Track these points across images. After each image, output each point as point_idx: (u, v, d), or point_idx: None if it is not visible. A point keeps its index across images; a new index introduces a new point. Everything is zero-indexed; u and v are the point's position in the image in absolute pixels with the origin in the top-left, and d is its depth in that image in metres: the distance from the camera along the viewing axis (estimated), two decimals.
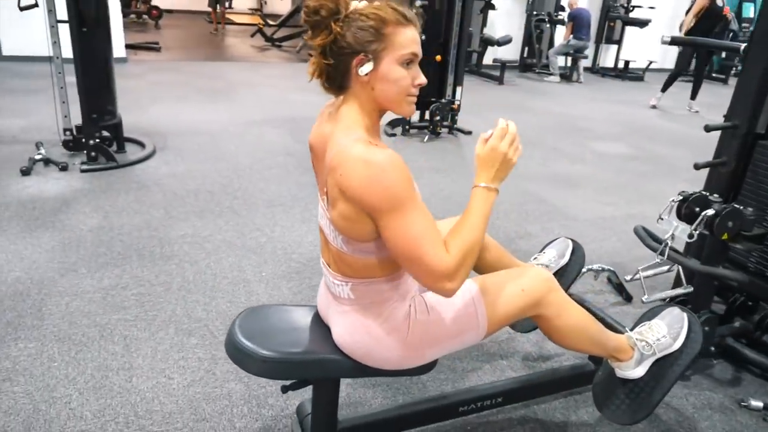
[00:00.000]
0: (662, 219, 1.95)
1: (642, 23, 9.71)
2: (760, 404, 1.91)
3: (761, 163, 2.06)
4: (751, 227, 1.86)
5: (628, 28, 10.24)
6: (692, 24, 6.89)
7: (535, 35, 9.53)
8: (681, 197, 1.92)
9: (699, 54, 7.14)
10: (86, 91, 3.57)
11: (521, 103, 7.25)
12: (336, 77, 1.20)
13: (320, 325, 1.45)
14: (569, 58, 9.53)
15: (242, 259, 2.69)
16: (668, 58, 10.62)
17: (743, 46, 2.10)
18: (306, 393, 1.51)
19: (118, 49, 7.43)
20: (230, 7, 13.49)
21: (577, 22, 8.88)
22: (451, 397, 1.73)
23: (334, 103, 1.29)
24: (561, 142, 5.45)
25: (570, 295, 2.04)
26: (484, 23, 9.31)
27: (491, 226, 3.29)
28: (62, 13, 3.43)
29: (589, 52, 9.82)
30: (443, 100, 5.04)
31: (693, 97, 7.43)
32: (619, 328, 1.79)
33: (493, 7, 8.98)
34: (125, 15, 11.26)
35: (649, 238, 2.06)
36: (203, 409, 1.76)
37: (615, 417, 1.59)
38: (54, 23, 3.43)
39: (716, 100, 8.19)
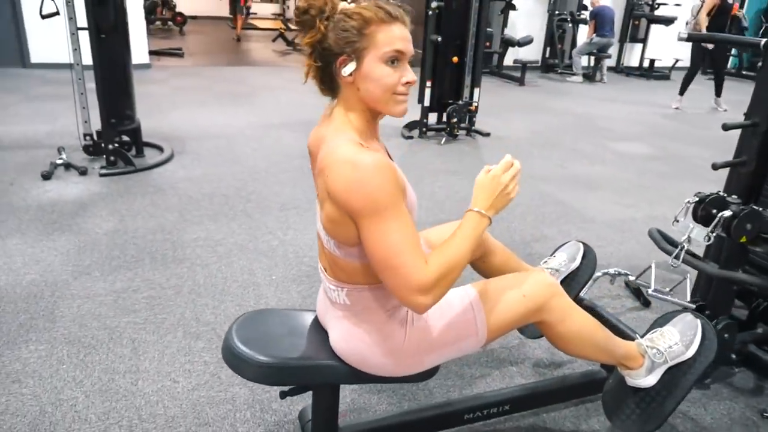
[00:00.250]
0: (677, 221, 1.88)
1: (667, 21, 9.50)
2: None
3: None
4: None
5: (653, 26, 10.03)
6: (706, 23, 6.76)
7: (557, 35, 9.40)
8: (697, 198, 1.85)
9: (714, 51, 6.93)
10: (105, 97, 3.63)
11: (541, 104, 7.15)
12: (326, 79, 1.19)
13: (319, 330, 1.43)
14: (592, 58, 9.36)
15: (253, 263, 2.69)
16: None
17: (764, 41, 2.02)
18: (310, 398, 1.49)
19: (142, 55, 7.58)
20: (253, 13, 13.63)
21: (600, 19, 8.73)
22: (456, 404, 1.70)
23: (330, 105, 1.27)
24: (581, 142, 5.35)
25: (581, 299, 2.01)
26: (504, 24, 9.22)
27: (506, 227, 3.24)
28: (83, 20, 3.50)
29: (613, 51, 9.65)
30: (460, 102, 4.99)
31: (718, 94, 7.23)
32: (631, 335, 1.74)
33: (513, 7, 8.88)
34: (151, 22, 11.47)
35: (664, 241, 1.99)
36: (206, 414, 1.76)
37: (625, 427, 1.53)
38: (74, 30, 3.50)
39: (745, 98, 7.94)
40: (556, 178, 4.23)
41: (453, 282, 1.13)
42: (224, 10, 13.15)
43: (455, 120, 4.98)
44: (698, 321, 1.55)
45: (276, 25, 12.69)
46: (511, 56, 9.09)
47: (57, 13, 3.50)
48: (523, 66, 8.35)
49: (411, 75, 1.16)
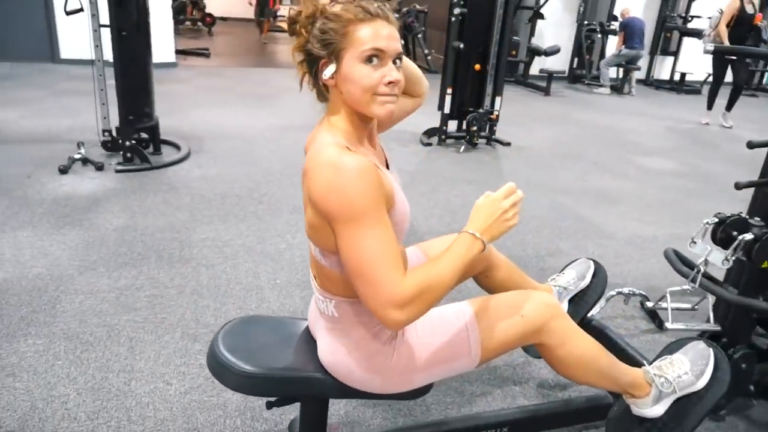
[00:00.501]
0: (695, 242, 1.79)
1: (700, 34, 9.24)
2: None
3: None
4: None
5: (685, 39, 9.80)
6: (726, 34, 6.52)
7: (585, 45, 9.26)
8: (717, 219, 1.76)
9: (735, 63, 6.70)
10: (124, 94, 3.65)
11: (566, 115, 7.02)
12: (317, 84, 1.15)
13: (309, 340, 1.38)
14: (621, 70, 9.19)
15: (259, 265, 2.66)
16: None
17: None
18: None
19: (168, 54, 7.69)
20: (281, 16, 13.74)
21: (629, 30, 8.56)
22: (451, 423, 1.63)
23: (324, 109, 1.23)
24: (604, 156, 5.22)
25: (589, 320, 1.93)
26: (532, 33, 9.11)
27: (520, 240, 3.16)
28: (106, 18, 3.53)
29: (643, 63, 9.46)
30: (481, 110, 4.91)
31: (728, 108, 6.97)
32: (640, 361, 1.65)
33: (541, 16, 8.77)
34: (181, 22, 11.66)
35: (680, 263, 1.90)
36: (196, 419, 1.72)
37: None
38: (96, 27, 3.54)
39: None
40: (576, 191, 4.12)
41: (432, 302, 1.06)
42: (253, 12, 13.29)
43: (475, 128, 4.91)
44: (711, 350, 1.46)
45: None
46: (538, 66, 8.97)
47: (81, 10, 3.55)
48: (549, 76, 8.23)
49: (394, 74, 1.09)
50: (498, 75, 4.90)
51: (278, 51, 11.07)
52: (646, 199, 4.09)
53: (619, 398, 1.57)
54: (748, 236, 1.66)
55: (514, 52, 8.67)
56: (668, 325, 1.78)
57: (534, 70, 8.99)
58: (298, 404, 1.41)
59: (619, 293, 2.49)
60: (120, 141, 3.75)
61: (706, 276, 1.80)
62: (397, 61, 1.11)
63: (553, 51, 8.25)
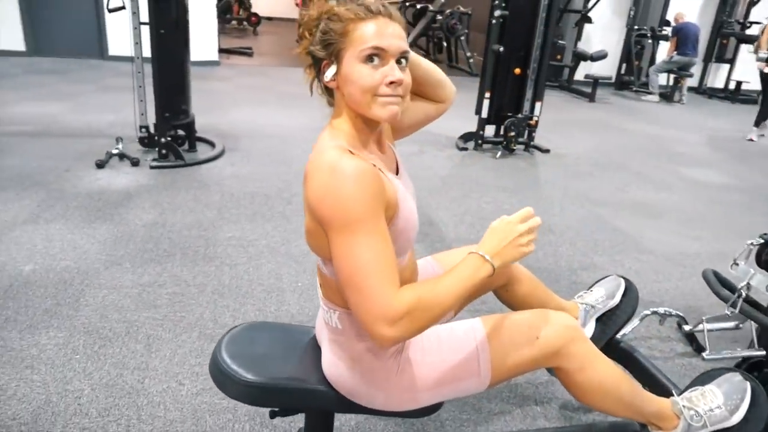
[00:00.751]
0: (737, 264, 1.66)
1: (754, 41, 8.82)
2: None
3: None
4: None
5: (742, 46, 9.35)
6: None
7: (634, 51, 8.95)
8: (762, 240, 1.63)
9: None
10: (161, 91, 3.71)
11: (610, 122, 6.79)
12: (323, 88, 1.11)
13: (315, 349, 1.33)
14: (671, 77, 8.84)
15: (282, 267, 2.64)
16: None
17: None
18: None
19: (211, 52, 7.83)
20: None
21: (682, 36, 8.22)
22: None
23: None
24: (648, 166, 5.01)
25: (618, 341, 1.82)
26: (578, 37, 8.87)
27: (552, 251, 3.04)
28: (146, 16, 3.60)
29: (696, 70, 9.07)
30: (519, 115, 4.79)
31: (757, 123, 6.51)
32: (670, 389, 1.54)
33: (589, 20, 8.52)
34: (227, 21, 11.88)
35: (719, 285, 1.77)
36: (205, 421, 1.70)
37: None
38: (137, 25, 3.60)
39: None
40: (615, 203, 3.96)
41: (429, 322, 0.99)
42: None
43: (513, 134, 4.79)
44: (748, 384, 1.34)
45: None
46: (583, 71, 8.73)
47: (123, 8, 3.62)
48: (595, 81, 7.99)
49: (397, 74, 1.03)
50: (539, 80, 4.76)
51: None
52: (689, 213, 3.90)
53: (646, 427, 1.47)
54: None
55: (558, 57, 8.46)
56: (706, 355, 1.65)
57: (579, 75, 8.75)
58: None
59: (655, 313, 2.35)
60: (156, 137, 3.81)
61: (748, 301, 1.67)
62: (402, 60, 1.05)
63: (600, 56, 8.01)
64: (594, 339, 1.69)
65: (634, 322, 2.31)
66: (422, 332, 1.00)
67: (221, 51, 8.25)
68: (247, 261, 2.66)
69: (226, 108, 5.62)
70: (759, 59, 1.98)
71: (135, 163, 3.74)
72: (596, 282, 1.84)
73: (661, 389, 1.55)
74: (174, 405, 1.75)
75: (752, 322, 1.85)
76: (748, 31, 9.29)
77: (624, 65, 9.22)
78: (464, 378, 1.17)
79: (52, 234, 2.75)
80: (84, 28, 7.29)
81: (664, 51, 8.94)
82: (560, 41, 8.40)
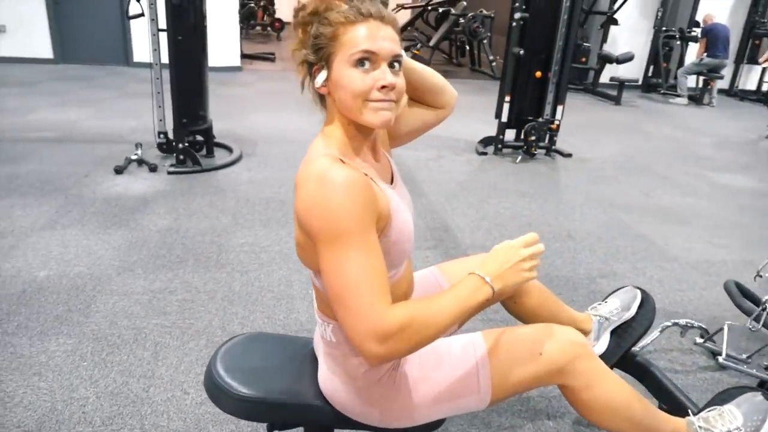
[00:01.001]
0: (760, 276, 1.57)
1: None
2: None
3: None
4: None
5: None
6: None
7: (662, 53, 8.73)
8: None
9: None
10: (179, 97, 3.74)
11: (637, 126, 6.63)
12: (316, 93, 1.08)
13: (313, 362, 1.30)
14: (701, 79, 8.60)
15: (293, 273, 2.61)
16: None
17: None
18: None
19: (234, 58, 7.90)
20: None
21: (712, 37, 8.00)
22: None
23: None
24: (674, 170, 4.86)
25: (634, 355, 1.74)
26: (604, 39, 8.70)
27: (571, 258, 2.96)
28: (164, 22, 3.63)
29: (727, 72, 8.81)
30: (540, 119, 4.70)
31: None
32: (688, 407, 1.46)
33: (615, 21, 8.35)
34: (251, 27, 12.00)
35: (742, 298, 1.68)
36: (208, 431, 1.68)
37: None
38: (155, 32, 3.64)
39: None
40: (639, 208, 3.84)
41: (421, 342, 0.95)
42: None
43: (533, 138, 4.69)
44: None
45: None
46: (609, 74, 8.55)
47: (142, 15, 3.66)
48: (621, 84, 7.81)
49: (389, 78, 0.98)
50: (560, 83, 4.66)
51: None
52: (717, 220, 3.76)
53: None
54: None
55: (583, 59, 8.31)
56: (721, 360, 1.56)
57: (605, 78, 8.57)
58: None
59: (675, 324, 2.25)
60: (174, 143, 3.84)
61: None
62: (395, 64, 1.01)
63: (626, 58, 7.84)
64: (608, 353, 1.62)
65: (654, 334, 2.22)
66: (414, 352, 0.96)
67: (243, 56, 8.32)
68: (258, 267, 2.65)
69: (245, 113, 5.65)
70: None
71: (153, 168, 3.77)
72: (611, 293, 1.77)
73: (677, 407, 1.48)
74: (177, 415, 1.73)
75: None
76: None
77: (651, 67, 9.02)
78: (463, 395, 1.12)
79: (68, 240, 2.78)
80: (110, 36, 7.44)
81: (693, 53, 8.71)
82: (585, 43, 8.25)
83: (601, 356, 1.62)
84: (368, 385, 1.11)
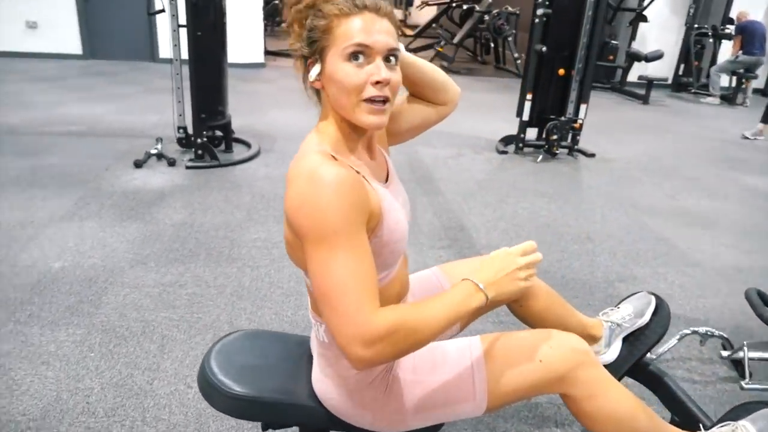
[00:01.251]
0: None
1: None
2: None
3: None
4: None
5: None
6: None
7: (694, 51, 8.49)
8: None
9: None
10: (198, 92, 3.76)
11: (664, 126, 6.45)
12: (311, 88, 1.05)
13: (309, 361, 1.27)
14: (734, 78, 8.33)
15: None
16: None
17: None
18: None
19: (257, 55, 7.95)
20: None
21: (747, 34, 7.74)
22: None
23: None
24: (702, 172, 4.72)
25: (646, 364, 1.67)
26: (633, 36, 8.50)
27: (588, 261, 2.88)
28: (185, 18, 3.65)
29: (762, 71, 8.52)
30: (563, 118, 4.60)
31: (765, 119, 6.06)
32: (701, 420, 1.39)
33: (644, 18, 8.15)
34: (277, 24, 12.05)
35: (764, 307, 1.60)
36: (208, 427, 1.67)
37: None
38: (175, 28, 3.66)
39: None
40: (663, 211, 3.73)
41: (409, 347, 0.91)
42: None
43: (555, 137, 4.60)
44: None
45: None
46: (637, 72, 8.36)
47: (162, 11, 3.69)
48: (649, 83, 7.63)
49: (383, 73, 0.94)
50: (584, 81, 4.56)
51: None
52: (745, 225, 3.62)
53: None
54: None
55: (611, 57, 8.15)
56: (745, 384, 1.49)
57: (633, 76, 8.38)
58: None
59: (695, 332, 2.17)
60: (192, 138, 3.87)
61: None
62: (391, 58, 0.97)
63: (655, 56, 7.64)
64: (620, 360, 1.56)
65: (672, 342, 2.14)
66: (401, 357, 0.92)
67: (267, 53, 8.36)
68: (269, 263, 2.64)
69: (266, 109, 5.67)
70: None
71: (171, 163, 3.80)
72: (624, 298, 1.71)
73: (690, 420, 1.41)
74: (179, 408, 1.73)
75: None
76: None
77: (682, 66, 8.78)
78: (458, 401, 1.08)
79: (84, 232, 2.81)
80: (136, 33, 7.55)
81: (726, 51, 8.45)
82: (613, 41, 8.08)
83: (613, 364, 1.57)
84: (360, 387, 1.08)
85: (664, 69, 8.49)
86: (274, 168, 3.97)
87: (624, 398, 1.13)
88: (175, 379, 1.85)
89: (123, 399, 1.75)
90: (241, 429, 1.67)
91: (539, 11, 4.33)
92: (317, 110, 1.10)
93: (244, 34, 7.30)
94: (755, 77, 8.18)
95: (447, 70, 9.06)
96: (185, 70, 3.80)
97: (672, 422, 1.46)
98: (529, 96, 4.60)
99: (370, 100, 0.95)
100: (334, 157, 0.96)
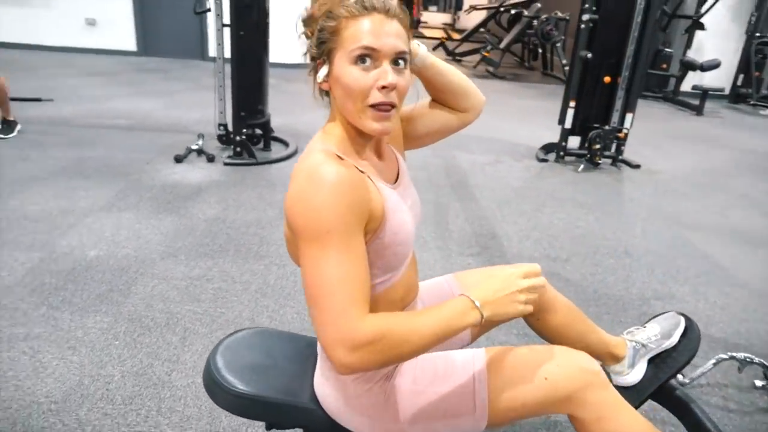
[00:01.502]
0: None
1: None
2: None
3: None
4: None
5: None
6: None
7: (754, 61, 8.10)
8: None
9: None
10: (238, 90, 3.83)
11: (718, 138, 6.17)
12: (320, 89, 1.04)
13: (315, 363, 1.26)
14: None
15: None
16: None
17: None
18: None
19: (299, 55, 8.04)
20: (423, 22, 13.80)
21: None
22: None
23: None
24: (757, 188, 4.48)
25: (673, 388, 1.59)
26: (688, 44, 8.18)
27: (624, 276, 2.78)
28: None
29: None
30: (607, 127, 4.45)
31: None
32: None
33: (701, 26, 7.83)
34: None
35: None
36: (220, 421, 1.69)
37: None
38: (220, 27, 3.74)
39: None
40: (710, 227, 3.55)
41: (394, 357, 0.89)
42: None
43: (598, 146, 4.46)
44: None
45: (439, 34, 12.71)
46: (692, 81, 8.03)
47: (208, 10, 3.77)
48: (704, 93, 7.31)
49: (390, 77, 0.92)
50: (631, 89, 4.40)
51: None
52: None
53: None
54: None
55: (664, 66, 7.87)
56: None
57: (687, 86, 8.06)
58: None
59: (733, 358, 2.05)
60: (232, 135, 3.94)
61: None
62: (400, 62, 0.95)
63: (712, 65, 7.32)
64: (644, 382, 1.49)
65: (707, 366, 2.03)
66: (387, 366, 0.90)
67: None
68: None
69: (307, 109, 5.70)
70: None
71: (210, 159, 3.88)
72: (652, 318, 1.63)
73: None
74: (194, 401, 1.75)
75: None
76: None
77: (741, 76, 8.38)
78: (457, 415, 1.05)
79: (121, 222, 2.90)
80: (187, 31, 7.78)
81: None
82: (666, 49, 7.80)
83: (636, 386, 1.50)
84: (359, 393, 1.06)
85: (721, 79, 8.13)
86: None
87: (635, 422, 1.07)
88: (193, 372, 1.88)
89: (141, 388, 1.79)
90: (252, 426, 1.68)
91: (585, 17, 4.20)
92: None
93: (289, 34, 7.40)
94: None
95: (492, 75, 8.95)
96: (228, 69, 3.88)
97: None
98: (572, 103, 4.48)
99: (376, 107, 0.93)
100: (338, 156, 0.95)
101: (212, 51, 7.76)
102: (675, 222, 3.59)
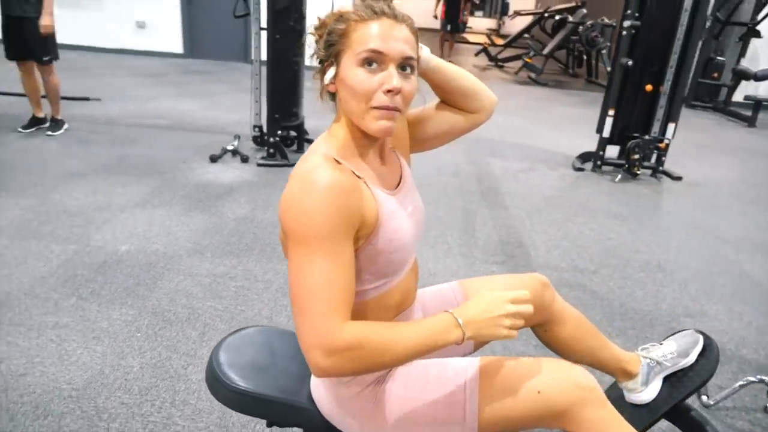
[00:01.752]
0: None
1: None
2: None
3: None
4: None
5: None
6: None
7: None
8: None
9: None
10: (273, 93, 3.90)
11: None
12: (327, 91, 1.06)
13: None
14: None
15: None
16: None
17: None
18: None
19: None
20: (468, 27, 13.66)
21: None
22: None
23: None
24: None
25: (688, 409, 1.53)
26: (742, 53, 7.85)
27: (654, 291, 2.69)
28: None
29: None
30: (647, 137, 4.32)
31: None
32: None
33: (757, 34, 7.50)
34: None
35: None
36: (230, 417, 1.72)
37: None
38: (257, 30, 3.83)
39: None
40: (752, 244, 3.40)
41: (371, 366, 0.90)
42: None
43: (637, 156, 4.33)
44: None
45: (482, 39, 12.60)
46: (744, 91, 7.70)
47: (248, 14, 3.86)
48: (757, 104, 7.00)
49: (395, 81, 0.93)
50: (674, 98, 4.26)
51: (453, 62, 11.06)
52: None
53: None
54: None
55: (715, 74, 7.58)
56: None
57: (739, 96, 7.74)
58: None
59: (762, 381, 1.96)
60: (266, 137, 4.02)
61: None
62: (407, 68, 0.96)
63: (766, 75, 7.00)
64: (659, 401, 1.45)
65: (734, 387, 1.95)
66: (364, 374, 0.91)
67: None
68: None
69: None
70: None
71: (244, 159, 3.97)
72: (670, 335, 1.57)
73: None
74: (207, 395, 1.79)
75: None
76: None
77: None
78: (447, 423, 1.04)
79: (154, 218, 3.00)
80: (232, 34, 7.98)
81: None
82: (719, 57, 7.51)
83: (650, 404, 1.45)
84: (350, 395, 1.07)
85: None
86: None
87: None
88: None
89: (158, 380, 1.84)
90: (261, 422, 1.70)
91: (626, 23, 4.10)
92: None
93: None
94: None
95: (534, 81, 8.82)
96: (265, 72, 3.96)
97: None
98: (611, 111, 4.37)
99: (379, 109, 0.94)
100: (336, 160, 0.96)
101: (256, 54, 7.98)
102: (714, 237, 3.45)
